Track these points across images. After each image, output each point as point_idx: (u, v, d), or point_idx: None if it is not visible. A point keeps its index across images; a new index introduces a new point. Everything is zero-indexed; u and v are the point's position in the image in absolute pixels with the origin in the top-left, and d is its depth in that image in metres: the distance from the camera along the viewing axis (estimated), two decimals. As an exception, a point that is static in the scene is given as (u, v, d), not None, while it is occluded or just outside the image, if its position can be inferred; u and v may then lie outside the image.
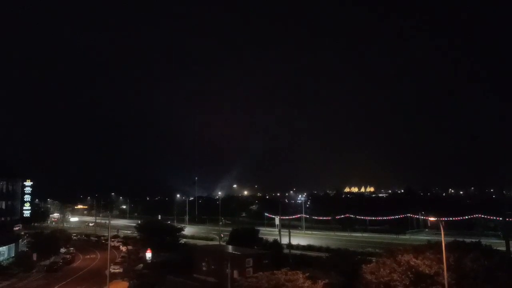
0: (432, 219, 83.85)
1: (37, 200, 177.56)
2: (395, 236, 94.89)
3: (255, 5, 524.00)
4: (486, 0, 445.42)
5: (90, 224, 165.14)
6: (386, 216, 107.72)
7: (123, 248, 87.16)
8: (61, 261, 74.15)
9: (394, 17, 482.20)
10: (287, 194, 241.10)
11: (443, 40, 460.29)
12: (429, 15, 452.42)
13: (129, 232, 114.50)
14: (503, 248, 53.47)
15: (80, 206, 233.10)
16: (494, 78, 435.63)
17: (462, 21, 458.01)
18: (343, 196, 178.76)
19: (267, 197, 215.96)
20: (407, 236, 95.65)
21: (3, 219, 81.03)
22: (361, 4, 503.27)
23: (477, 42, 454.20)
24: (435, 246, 36.57)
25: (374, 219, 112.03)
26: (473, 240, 44.17)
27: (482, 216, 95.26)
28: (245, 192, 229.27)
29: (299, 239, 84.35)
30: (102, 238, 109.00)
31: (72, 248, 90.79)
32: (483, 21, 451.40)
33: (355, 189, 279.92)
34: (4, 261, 73.11)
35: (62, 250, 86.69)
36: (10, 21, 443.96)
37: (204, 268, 55.22)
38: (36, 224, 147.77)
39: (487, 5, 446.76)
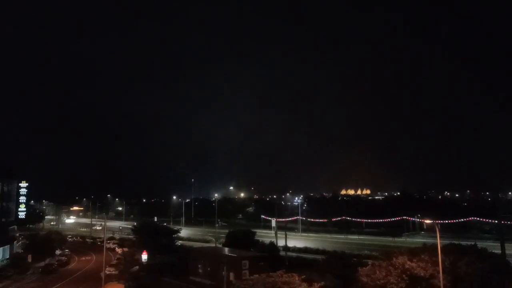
0: (428, 221, 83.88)
1: (32, 201, 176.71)
2: (391, 239, 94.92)
3: (254, 4, 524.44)
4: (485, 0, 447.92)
5: (52, 223, 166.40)
6: (382, 219, 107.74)
7: (119, 250, 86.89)
8: (56, 263, 73.80)
9: (394, 18, 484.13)
10: (283, 196, 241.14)
11: (441, 40, 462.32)
12: (428, 15, 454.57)
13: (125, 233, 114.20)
14: (498, 251, 53.59)
15: (75, 208, 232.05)
16: (493, 80, 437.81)
17: (460, 22, 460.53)
18: (339, 199, 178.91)
19: (267, 199, 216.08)
20: (403, 239, 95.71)
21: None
22: (361, 4, 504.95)
23: (476, 42, 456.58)
24: (430, 249, 36.66)
25: (370, 221, 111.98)
26: (469, 243, 44.27)
27: (478, 219, 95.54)
28: (242, 194, 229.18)
29: (296, 241, 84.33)
30: (98, 240, 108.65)
31: (67, 250, 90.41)
32: (481, 22, 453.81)
33: (351, 192, 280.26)
34: (-2, 262, 72.76)
35: (58, 251, 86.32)
36: (8, 22, 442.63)
37: (200, 271, 55.17)
38: (31, 225, 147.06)
39: (486, 5, 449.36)
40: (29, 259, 72.28)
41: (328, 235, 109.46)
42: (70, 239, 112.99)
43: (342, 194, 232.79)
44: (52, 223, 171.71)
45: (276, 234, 79.96)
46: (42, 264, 72.56)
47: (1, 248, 77.41)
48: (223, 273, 46.66)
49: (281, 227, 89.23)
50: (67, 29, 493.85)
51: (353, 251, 69.54)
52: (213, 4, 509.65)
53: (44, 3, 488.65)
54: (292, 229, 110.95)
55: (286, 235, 70.24)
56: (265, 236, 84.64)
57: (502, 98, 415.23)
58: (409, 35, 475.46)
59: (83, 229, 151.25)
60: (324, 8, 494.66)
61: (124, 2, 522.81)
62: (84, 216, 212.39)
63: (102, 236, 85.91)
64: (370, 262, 42.72)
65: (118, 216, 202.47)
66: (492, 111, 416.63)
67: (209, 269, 53.64)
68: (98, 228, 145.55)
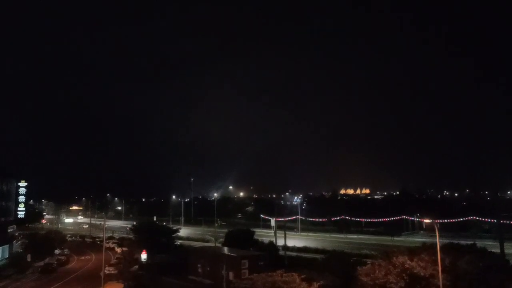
0: (427, 221, 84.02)
1: (31, 201, 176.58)
2: (390, 238, 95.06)
3: (254, 4, 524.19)
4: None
5: (44, 221, 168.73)
6: (381, 218, 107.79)
7: (118, 250, 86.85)
8: (55, 262, 73.64)
9: (392, 16, 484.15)
10: (283, 195, 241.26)
11: (440, 40, 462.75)
12: (427, 12, 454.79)
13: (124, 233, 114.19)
14: (498, 250, 53.69)
15: (75, 207, 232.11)
16: (492, 79, 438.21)
17: (458, 20, 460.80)
18: (338, 198, 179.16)
19: (268, 197, 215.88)
20: (402, 238, 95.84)
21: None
22: (360, 3, 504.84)
23: (475, 42, 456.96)
24: (430, 248, 36.72)
25: (370, 220, 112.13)
26: (468, 242, 44.39)
27: (477, 218, 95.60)
28: (241, 194, 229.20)
29: (295, 240, 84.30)
30: (97, 239, 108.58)
31: (66, 249, 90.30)
32: (480, 19, 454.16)
33: (350, 191, 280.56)
34: (-2, 262, 72.67)
35: (57, 251, 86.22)
36: (7, 23, 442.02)
37: (199, 270, 55.22)
38: (30, 225, 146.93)
39: (486, 3, 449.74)
40: (29, 259, 72.15)
41: (327, 235, 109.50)
42: (69, 238, 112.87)
43: (341, 194, 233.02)
44: (43, 221, 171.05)
45: (275, 233, 79.96)
46: (41, 263, 72.43)
47: (1, 247, 77.29)
48: (223, 272, 46.68)
49: (280, 227, 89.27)
50: (66, 29, 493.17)
51: (353, 250, 69.55)
52: (213, 4, 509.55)
53: (42, 3, 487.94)
54: (291, 229, 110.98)
55: (285, 234, 70.22)
56: (264, 235, 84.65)
57: (503, 98, 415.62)
58: (409, 34, 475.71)
59: (70, 227, 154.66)
60: (324, 8, 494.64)
61: (122, 2, 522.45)
62: (84, 215, 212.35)
63: (102, 235, 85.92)
64: (369, 261, 42.74)
65: (117, 216, 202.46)
66: (492, 110, 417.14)
67: (208, 268, 53.68)
68: (85, 226, 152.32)
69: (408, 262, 35.16)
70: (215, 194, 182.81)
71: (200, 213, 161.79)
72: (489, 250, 40.97)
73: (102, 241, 70.97)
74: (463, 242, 42.92)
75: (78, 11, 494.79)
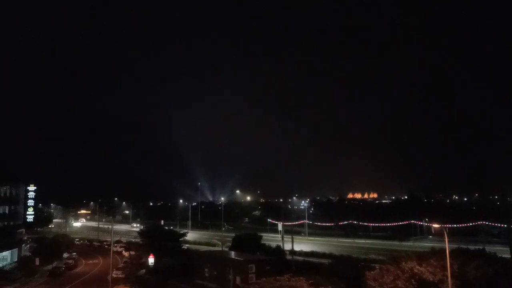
0: (436, 225, 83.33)
1: (40, 205, 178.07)
2: (398, 243, 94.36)
3: (254, 4, 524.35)
4: (486, 2, 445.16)
5: (51, 226, 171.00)
6: (389, 223, 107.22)
7: (126, 254, 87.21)
8: (63, 266, 74.16)
9: (394, 17, 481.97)
10: (290, 200, 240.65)
11: (444, 41, 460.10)
12: (429, 15, 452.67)
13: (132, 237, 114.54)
14: (508, 256, 53.11)
15: (83, 211, 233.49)
16: (497, 82, 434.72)
17: (461, 23, 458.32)
18: (346, 202, 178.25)
19: (275, 202, 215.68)
20: (410, 243, 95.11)
21: (6, 223, 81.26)
22: (359, 4, 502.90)
23: (478, 43, 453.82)
24: (439, 253, 36.48)
25: (378, 225, 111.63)
26: (477, 247, 43.99)
27: (486, 223, 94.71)
28: (248, 198, 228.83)
29: (302, 245, 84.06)
30: (105, 243, 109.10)
31: (74, 253, 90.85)
32: (481, 23, 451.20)
33: (358, 195, 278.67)
34: (6, 265, 73.17)
35: (65, 255, 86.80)
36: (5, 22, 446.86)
37: (206, 274, 55.23)
38: (39, 229, 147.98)
39: (488, 6, 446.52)
40: (37, 262, 72.72)
41: (334, 239, 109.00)
42: (77, 242, 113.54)
43: (348, 198, 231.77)
44: (51, 225, 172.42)
45: (282, 237, 79.73)
46: (49, 267, 72.99)
47: (10, 251, 77.95)
48: (230, 276, 46.67)
49: (287, 231, 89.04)
50: (66, 28, 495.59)
51: (360, 255, 69.17)
52: (212, 4, 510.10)
53: (35, 2, 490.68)
54: (298, 233, 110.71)
55: (292, 238, 70.04)
56: (271, 239, 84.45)
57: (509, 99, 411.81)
58: (410, 34, 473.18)
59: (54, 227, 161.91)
60: (323, 9, 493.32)
61: (118, 1, 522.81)
62: (92, 219, 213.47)
63: (109, 239, 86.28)
64: (377, 266, 42.51)
65: (125, 219, 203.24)
66: (502, 112, 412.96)
67: (215, 272, 53.67)
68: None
69: (417, 267, 34.95)
70: (222, 198, 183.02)
71: (207, 217, 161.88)
72: (498, 255, 40.59)
73: (109, 245, 71.36)
74: (472, 247, 42.53)
75: (79, 11, 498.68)
